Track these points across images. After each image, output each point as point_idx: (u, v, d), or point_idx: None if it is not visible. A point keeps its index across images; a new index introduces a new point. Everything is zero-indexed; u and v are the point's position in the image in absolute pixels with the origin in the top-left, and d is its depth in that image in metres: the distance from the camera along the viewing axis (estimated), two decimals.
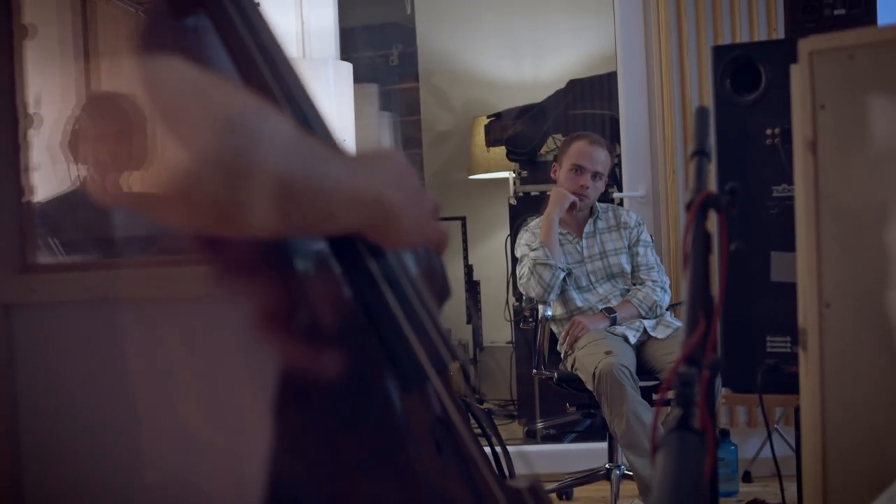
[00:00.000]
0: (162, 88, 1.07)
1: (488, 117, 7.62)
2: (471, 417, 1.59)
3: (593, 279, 5.10)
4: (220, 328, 1.25)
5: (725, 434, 5.16)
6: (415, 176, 1.39)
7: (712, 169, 2.87)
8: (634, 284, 5.11)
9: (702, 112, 1.80)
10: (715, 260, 1.56)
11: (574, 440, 6.38)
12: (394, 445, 1.27)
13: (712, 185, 2.97)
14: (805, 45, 2.08)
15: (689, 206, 1.53)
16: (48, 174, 3.10)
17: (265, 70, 1.29)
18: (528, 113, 7.26)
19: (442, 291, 1.59)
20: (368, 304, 1.31)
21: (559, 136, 6.81)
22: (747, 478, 5.32)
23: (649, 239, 5.22)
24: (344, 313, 1.29)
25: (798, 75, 2.10)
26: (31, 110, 3.00)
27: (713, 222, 1.54)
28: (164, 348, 1.24)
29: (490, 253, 7.94)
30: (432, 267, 1.54)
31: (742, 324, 2.96)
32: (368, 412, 1.26)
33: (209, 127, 1.08)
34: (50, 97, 3.16)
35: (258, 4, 1.34)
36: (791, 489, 3.62)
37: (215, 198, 1.09)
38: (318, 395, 1.24)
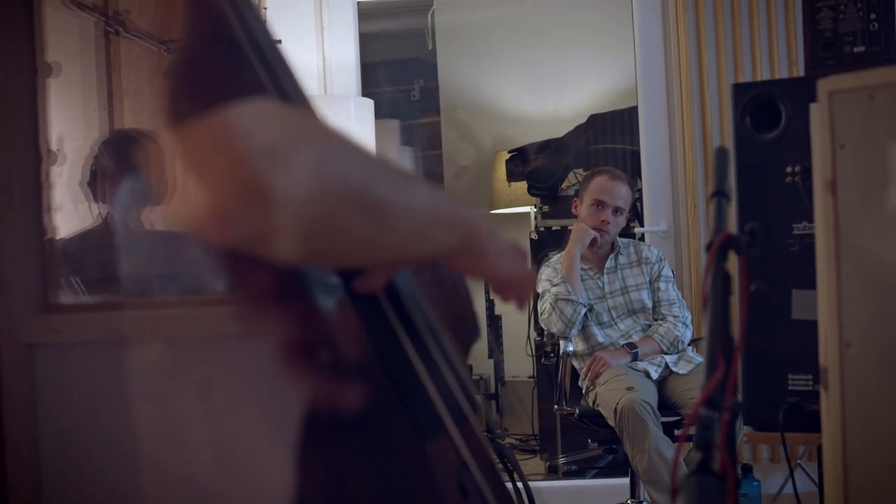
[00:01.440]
0: (247, 130, 1.08)
1: (509, 152, 7.63)
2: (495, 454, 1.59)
3: (615, 315, 5.09)
4: (242, 369, 1.25)
5: (748, 470, 5.12)
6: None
7: (733, 206, 2.87)
8: (656, 320, 5.10)
9: (721, 153, 1.81)
10: (735, 300, 1.56)
11: (596, 476, 6.35)
12: (418, 490, 1.27)
13: (733, 222, 2.96)
14: (824, 85, 2.08)
15: (708, 248, 1.53)
16: (70, 213, 3.12)
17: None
18: (549, 148, 7.27)
19: (470, 333, 1.59)
20: (387, 357, 1.31)
21: (580, 171, 6.82)
22: None
23: (671, 274, 5.21)
24: (366, 357, 1.29)
25: (817, 115, 2.09)
26: (53, 148, 3.02)
27: (734, 262, 1.54)
28: (183, 389, 1.25)
29: None
30: (461, 309, 1.54)
31: (764, 361, 2.94)
32: (392, 456, 1.26)
33: (305, 156, 1.09)
34: (72, 135, 3.18)
35: (279, 41, 1.35)
36: None
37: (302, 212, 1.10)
38: (340, 437, 1.24)
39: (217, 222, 1.05)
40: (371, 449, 1.27)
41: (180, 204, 1.07)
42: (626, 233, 5.54)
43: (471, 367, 7.39)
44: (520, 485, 1.89)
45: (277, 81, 1.28)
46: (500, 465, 1.65)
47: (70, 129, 3.19)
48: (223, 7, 1.19)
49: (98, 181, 3.21)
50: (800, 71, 5.29)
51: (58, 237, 3.02)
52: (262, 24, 1.27)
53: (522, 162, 7.46)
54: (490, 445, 1.48)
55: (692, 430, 1.26)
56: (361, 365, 1.28)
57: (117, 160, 3.19)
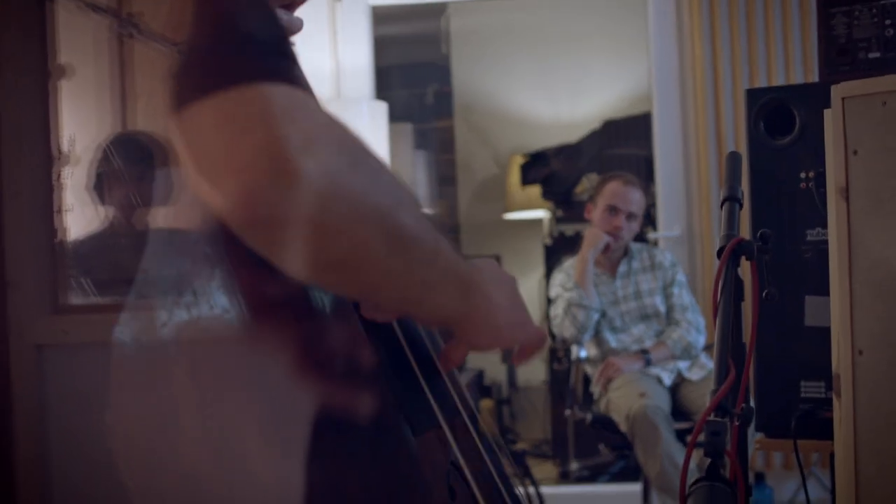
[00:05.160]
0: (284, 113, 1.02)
1: (524, 156, 7.63)
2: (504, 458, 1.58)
3: (627, 320, 5.08)
4: (250, 370, 1.25)
5: (761, 477, 5.11)
6: (513, 281, 1.39)
7: (746, 212, 2.85)
8: (669, 325, 5.08)
9: (733, 157, 1.80)
10: (747, 306, 1.55)
11: (608, 481, 6.34)
12: (405, 488, 1.26)
13: (746, 227, 2.95)
14: (838, 91, 2.07)
15: (719, 253, 1.52)
16: (81, 214, 3.12)
17: None
18: (563, 152, 7.28)
19: None
20: (382, 346, 1.31)
21: (594, 176, 6.82)
22: None
23: (684, 279, 5.19)
24: (366, 356, 1.28)
25: (831, 121, 2.08)
26: (65, 149, 3.03)
27: (746, 268, 1.54)
28: (192, 388, 1.24)
29: (525, 293, 7.86)
30: None
31: (776, 368, 2.93)
32: (379, 453, 1.25)
33: (335, 161, 1.05)
34: (85, 137, 3.18)
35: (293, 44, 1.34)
36: None
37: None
38: (333, 435, 1.23)
39: (241, 200, 0.98)
40: (362, 447, 1.25)
41: (201, 184, 1.03)
42: (640, 238, 5.52)
43: (482, 372, 7.40)
44: (531, 490, 1.89)
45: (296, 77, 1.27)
46: (511, 470, 1.65)
47: (82, 131, 3.19)
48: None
49: (105, 184, 3.21)
50: (815, 77, 5.28)
51: (68, 239, 3.03)
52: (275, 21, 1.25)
53: (537, 166, 7.47)
54: (482, 448, 1.47)
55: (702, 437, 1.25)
56: (362, 365, 1.27)
57: (123, 162, 3.19)
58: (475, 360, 7.26)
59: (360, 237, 1.06)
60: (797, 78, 5.45)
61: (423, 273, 1.18)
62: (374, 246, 1.08)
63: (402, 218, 1.11)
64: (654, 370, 4.86)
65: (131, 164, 3.17)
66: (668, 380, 4.85)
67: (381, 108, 5.41)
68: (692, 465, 1.29)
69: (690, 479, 1.19)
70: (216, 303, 1.23)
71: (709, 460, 1.17)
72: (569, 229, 6.76)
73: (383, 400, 1.26)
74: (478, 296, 1.28)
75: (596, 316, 4.98)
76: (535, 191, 7.53)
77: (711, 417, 1.24)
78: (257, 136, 0.98)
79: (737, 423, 1.36)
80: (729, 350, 1.37)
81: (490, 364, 7.78)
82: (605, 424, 4.85)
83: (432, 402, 1.34)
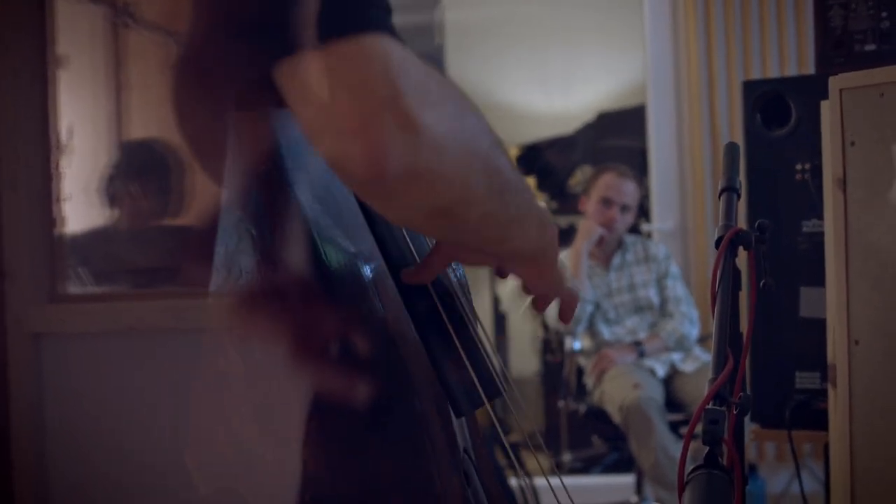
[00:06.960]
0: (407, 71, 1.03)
1: (518, 148, 7.63)
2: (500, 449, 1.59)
3: (621, 312, 5.08)
4: (249, 355, 1.24)
5: (753, 469, 5.11)
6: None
7: (742, 204, 2.87)
8: (663, 317, 5.08)
9: (731, 148, 1.80)
10: (745, 297, 1.56)
11: (601, 473, 6.34)
12: (422, 472, 1.25)
13: (742, 219, 2.95)
14: (835, 83, 2.07)
15: (717, 243, 1.52)
16: (79, 204, 3.12)
17: None
18: (557, 144, 7.27)
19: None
20: (424, 323, 1.31)
21: (588, 168, 6.82)
22: None
23: (678, 271, 5.19)
24: (386, 335, 1.27)
25: (828, 112, 2.09)
26: (63, 139, 3.03)
27: (743, 258, 1.54)
28: (188, 378, 1.23)
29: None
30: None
31: (771, 359, 2.94)
32: (398, 436, 1.25)
33: (453, 116, 1.06)
34: (82, 127, 3.18)
35: None
36: None
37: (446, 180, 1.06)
38: (352, 417, 1.23)
39: (367, 156, 0.99)
40: (383, 428, 1.25)
41: (315, 137, 1.02)
42: (634, 230, 5.52)
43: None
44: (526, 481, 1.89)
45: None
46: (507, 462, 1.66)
47: (80, 120, 3.19)
48: None
49: (115, 189, 3.21)
50: (810, 69, 5.28)
51: (67, 228, 3.03)
52: None
53: (530, 158, 7.46)
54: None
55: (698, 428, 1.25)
56: (384, 343, 1.26)
57: (136, 170, 3.19)
58: None
59: (469, 182, 1.09)
60: (792, 70, 5.45)
61: (514, 209, 1.20)
62: (479, 189, 1.11)
63: (499, 159, 1.14)
64: (648, 362, 4.87)
65: (144, 173, 3.16)
66: (661, 371, 4.85)
67: None
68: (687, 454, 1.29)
69: (687, 468, 1.19)
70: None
71: (706, 449, 1.17)
72: (563, 221, 6.76)
73: (401, 384, 1.26)
74: (550, 230, 1.32)
75: (590, 308, 4.98)
76: (529, 182, 7.52)
77: (710, 406, 1.24)
78: (380, 91, 0.99)
79: (735, 412, 1.36)
80: (727, 339, 1.38)
81: None
82: (598, 416, 4.86)
83: (476, 381, 1.35)
